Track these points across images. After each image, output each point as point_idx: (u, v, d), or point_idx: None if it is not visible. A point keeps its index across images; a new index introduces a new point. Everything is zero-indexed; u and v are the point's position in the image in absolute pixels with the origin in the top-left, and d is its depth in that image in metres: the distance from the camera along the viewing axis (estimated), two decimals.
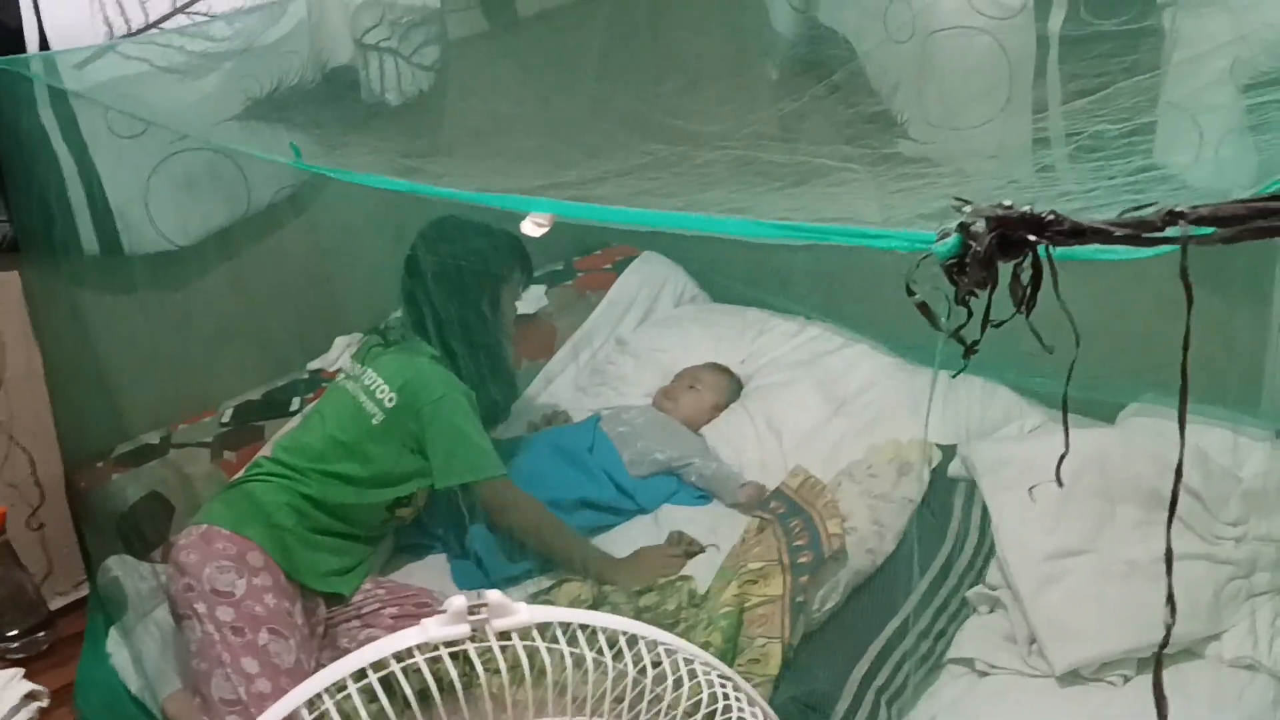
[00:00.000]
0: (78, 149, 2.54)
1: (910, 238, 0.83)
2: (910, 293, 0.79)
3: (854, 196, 1.61)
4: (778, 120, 2.27)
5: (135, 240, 2.67)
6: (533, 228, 1.26)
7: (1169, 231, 0.62)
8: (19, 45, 2.39)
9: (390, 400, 2.30)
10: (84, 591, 2.79)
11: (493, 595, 0.88)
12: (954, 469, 2.40)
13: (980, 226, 0.71)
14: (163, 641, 2.32)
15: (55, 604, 2.73)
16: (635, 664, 0.91)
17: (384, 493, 2.33)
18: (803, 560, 2.07)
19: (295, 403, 2.75)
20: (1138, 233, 0.62)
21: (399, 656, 0.87)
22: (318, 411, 2.43)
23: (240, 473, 2.39)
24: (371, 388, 2.33)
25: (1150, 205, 0.62)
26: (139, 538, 2.54)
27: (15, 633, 2.55)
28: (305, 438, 2.37)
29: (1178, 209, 0.61)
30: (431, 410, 2.29)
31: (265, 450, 2.48)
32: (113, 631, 2.43)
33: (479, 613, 0.88)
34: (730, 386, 2.96)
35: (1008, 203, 0.69)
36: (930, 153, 2.39)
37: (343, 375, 2.47)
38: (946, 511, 2.29)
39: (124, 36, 2.45)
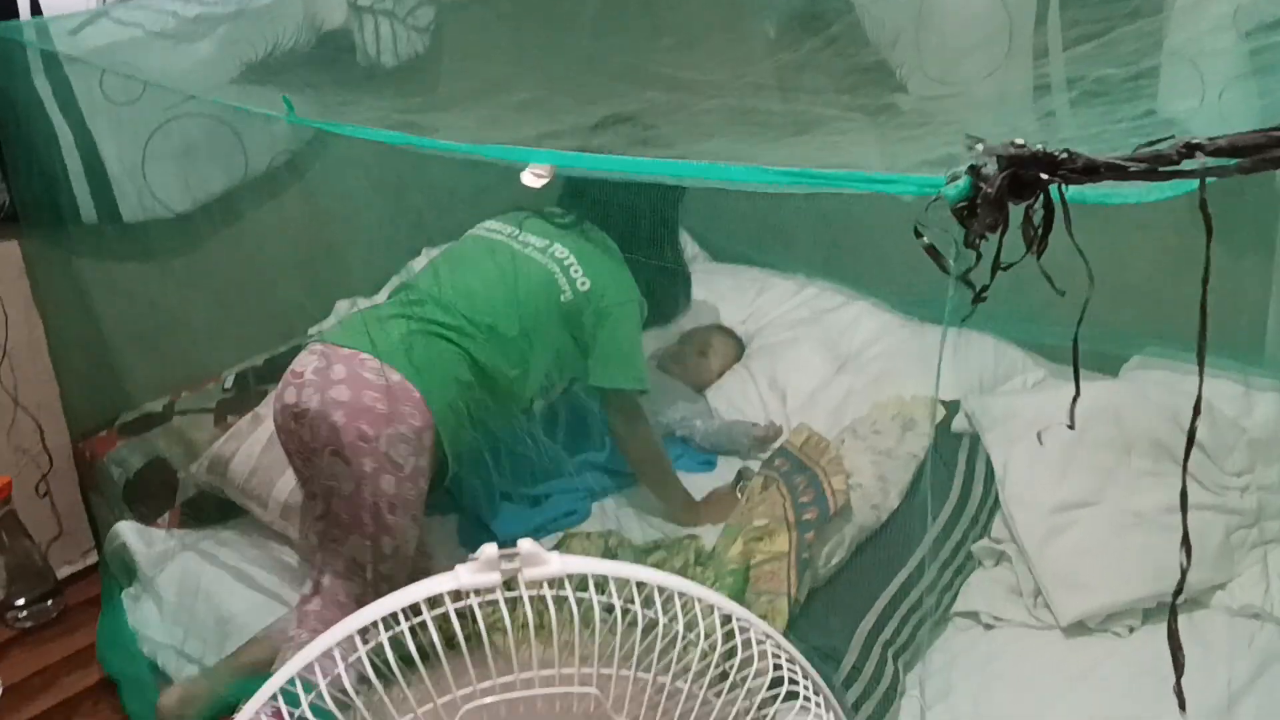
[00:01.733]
0: (74, 116, 2.52)
1: (919, 181, 0.83)
2: (919, 235, 0.78)
3: (855, 145, 1.60)
4: (775, 72, 2.25)
5: (133, 208, 2.65)
6: (532, 179, 1.25)
7: (1186, 165, 0.61)
8: (12, 12, 2.37)
9: (584, 284, 2.22)
10: (92, 559, 2.81)
11: (525, 544, 0.87)
12: (958, 424, 2.40)
13: (991, 168, 0.70)
14: (175, 603, 2.33)
15: (63, 572, 2.74)
16: (667, 614, 0.90)
17: (534, 382, 2.23)
18: (808, 517, 2.07)
19: None
20: (1154, 167, 0.61)
21: (431, 602, 0.87)
22: (481, 263, 2.26)
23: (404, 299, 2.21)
24: (565, 263, 2.24)
25: (1166, 139, 0.61)
26: (145, 504, 2.54)
27: (23, 601, 2.57)
28: (474, 284, 2.20)
29: (1195, 140, 0.60)
30: (619, 311, 2.25)
31: (410, 280, 2.31)
32: (124, 596, 2.44)
33: (511, 561, 0.87)
34: (735, 348, 2.96)
35: (1020, 141, 0.68)
36: (929, 105, 2.38)
37: (501, 235, 2.32)
38: (951, 466, 2.29)
39: (116, 1, 2.43)
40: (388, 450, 1.97)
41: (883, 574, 2.08)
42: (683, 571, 2.16)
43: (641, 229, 2.32)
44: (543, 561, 0.87)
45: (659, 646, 0.89)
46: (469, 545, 2.37)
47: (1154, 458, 2.15)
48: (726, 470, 2.58)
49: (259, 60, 2.58)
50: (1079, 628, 2.02)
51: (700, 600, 0.92)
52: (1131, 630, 2.00)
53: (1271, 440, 2.11)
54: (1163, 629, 1.99)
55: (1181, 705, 0.78)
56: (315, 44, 2.70)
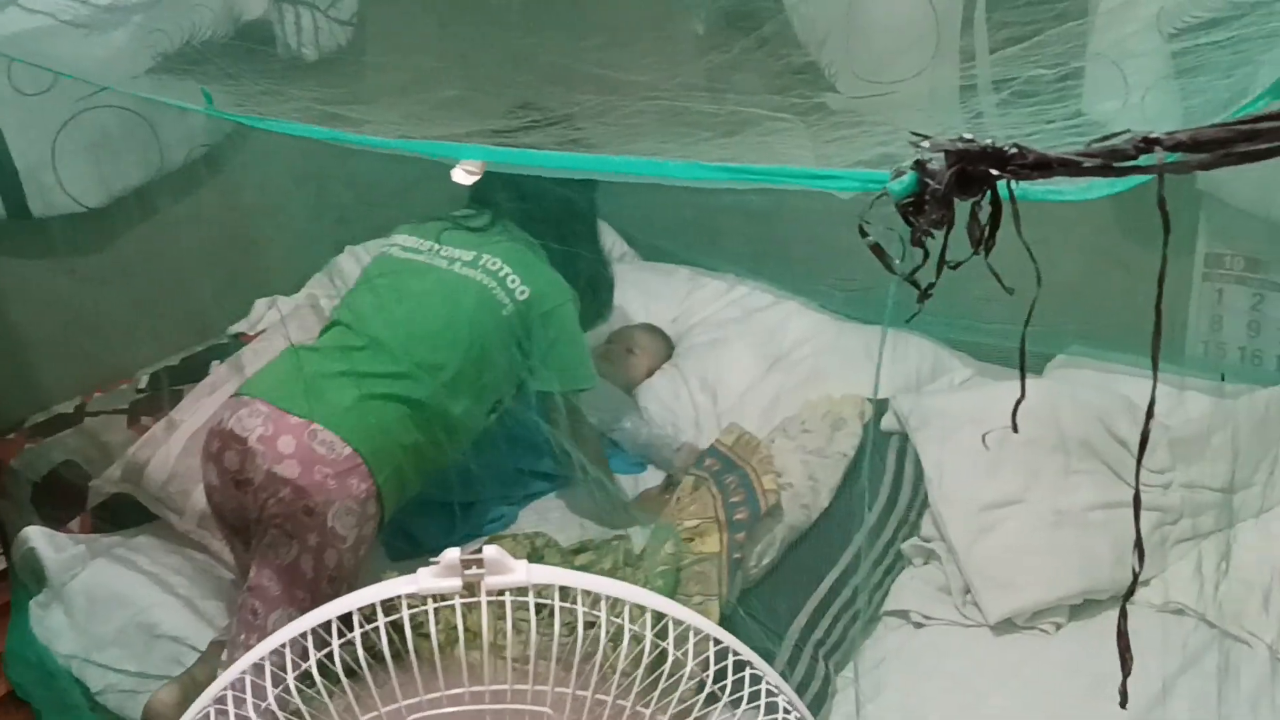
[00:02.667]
0: None
1: (863, 177, 0.81)
2: (863, 234, 0.76)
3: (788, 145, 1.59)
4: (705, 72, 2.24)
5: (43, 203, 2.56)
6: (463, 175, 1.21)
7: (1142, 160, 0.60)
8: None
9: (522, 293, 2.16)
10: (2, 565, 2.70)
11: (490, 550, 0.84)
12: (887, 423, 2.41)
13: (938, 163, 0.69)
14: (87, 611, 2.25)
15: None
16: (633, 631, 0.86)
17: (484, 407, 2.18)
18: (739, 517, 2.06)
19: (213, 367, 2.67)
20: (1109, 162, 0.60)
21: (386, 606, 0.83)
22: (417, 295, 2.16)
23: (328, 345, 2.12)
24: (500, 274, 2.16)
25: (1122, 133, 0.60)
26: (54, 508, 2.46)
27: None
28: (415, 321, 2.11)
29: (1153, 135, 0.59)
30: (560, 313, 2.20)
31: (344, 318, 2.18)
32: (33, 604, 2.35)
33: (475, 568, 0.83)
34: (664, 347, 2.94)
35: (968, 136, 0.66)
36: (858, 105, 2.38)
37: (421, 254, 2.24)
38: (881, 465, 2.30)
39: None
40: (333, 524, 1.92)
41: (813, 574, 2.09)
42: (612, 573, 2.14)
43: (563, 230, 2.29)
44: (508, 569, 0.83)
45: (620, 666, 0.85)
46: (394, 554, 2.33)
47: (1080, 456, 2.17)
48: (657, 472, 2.56)
49: (175, 50, 2.51)
50: (1007, 625, 2.04)
51: (676, 620, 0.88)
52: (1058, 627, 2.03)
53: (1195, 438, 2.14)
54: (1090, 626, 2.02)
55: (1123, 703, 0.77)
56: (234, 35, 2.63)
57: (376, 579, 2.10)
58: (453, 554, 0.83)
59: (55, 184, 2.57)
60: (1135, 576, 0.71)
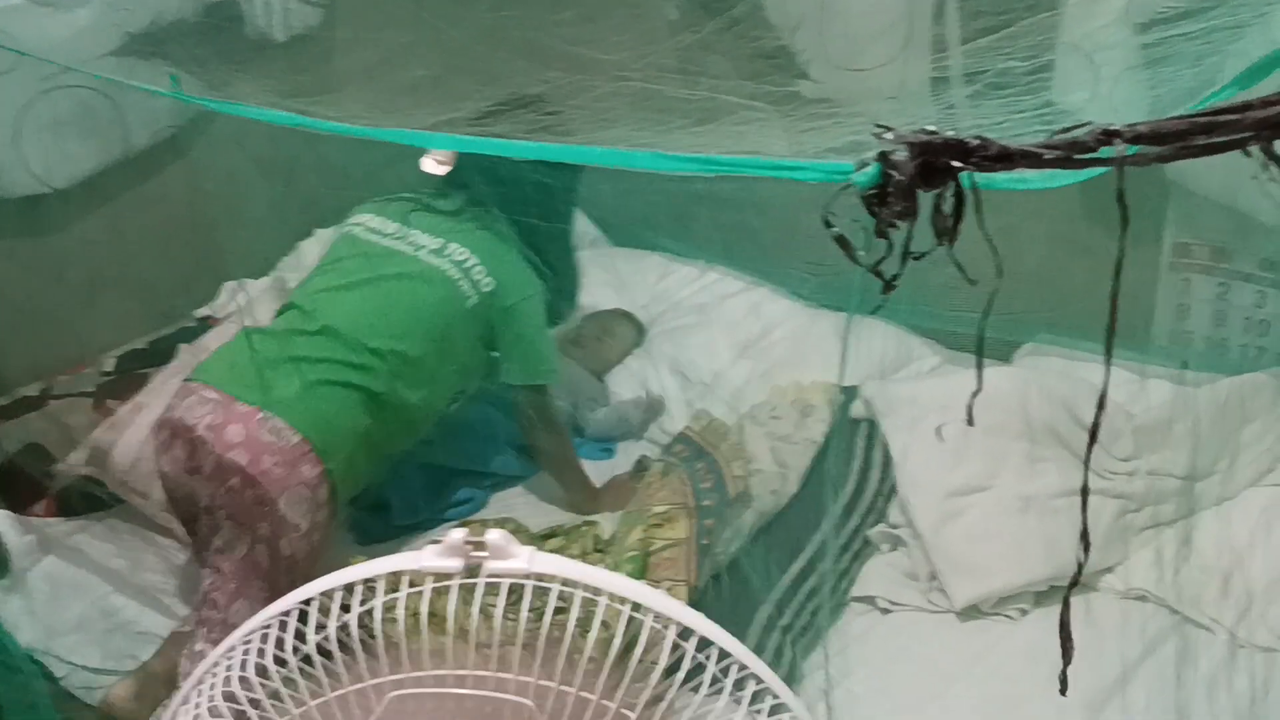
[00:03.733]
0: None
1: (828, 168, 0.81)
2: (828, 225, 0.76)
3: (761, 135, 1.58)
4: (676, 53, 2.23)
5: (7, 183, 2.53)
6: (434, 166, 1.21)
7: (1103, 152, 0.60)
8: None
9: (487, 285, 2.14)
10: None
11: (495, 535, 0.83)
12: (856, 410, 2.42)
13: (902, 154, 0.69)
14: (49, 597, 2.23)
15: None
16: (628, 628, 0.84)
17: (442, 398, 2.18)
18: (707, 503, 2.06)
19: (180, 350, 2.65)
20: (1069, 154, 0.60)
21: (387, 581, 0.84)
22: (376, 282, 2.13)
23: (282, 329, 2.10)
24: (465, 265, 2.14)
25: (1084, 125, 0.61)
26: (18, 492, 2.43)
27: None
28: (372, 309, 2.09)
29: (1113, 127, 0.59)
30: (526, 306, 2.19)
31: (300, 301, 2.16)
32: None
33: (478, 550, 0.83)
34: (635, 333, 2.94)
35: (932, 128, 0.66)
36: (830, 93, 2.38)
37: (387, 238, 2.20)
38: (849, 452, 2.31)
39: None
40: (285, 512, 1.91)
41: (781, 559, 2.09)
42: (581, 559, 2.13)
43: (539, 218, 2.26)
44: (510, 555, 0.82)
45: (608, 662, 0.84)
46: (362, 536, 2.32)
47: (1046, 443, 2.19)
48: (626, 458, 2.56)
49: (141, 30, 2.47)
50: (973, 611, 2.06)
51: (678, 621, 0.87)
52: (1024, 613, 2.05)
53: (1158, 426, 2.16)
54: (1054, 612, 2.01)
55: (1063, 690, 0.78)
56: (201, 13, 2.60)
57: (345, 564, 2.10)
58: (458, 534, 0.83)
59: (19, 164, 2.53)
60: (1080, 567, 0.72)
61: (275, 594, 1.90)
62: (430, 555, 0.83)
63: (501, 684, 0.84)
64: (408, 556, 0.85)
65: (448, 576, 0.84)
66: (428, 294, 2.12)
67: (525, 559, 0.83)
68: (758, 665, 0.88)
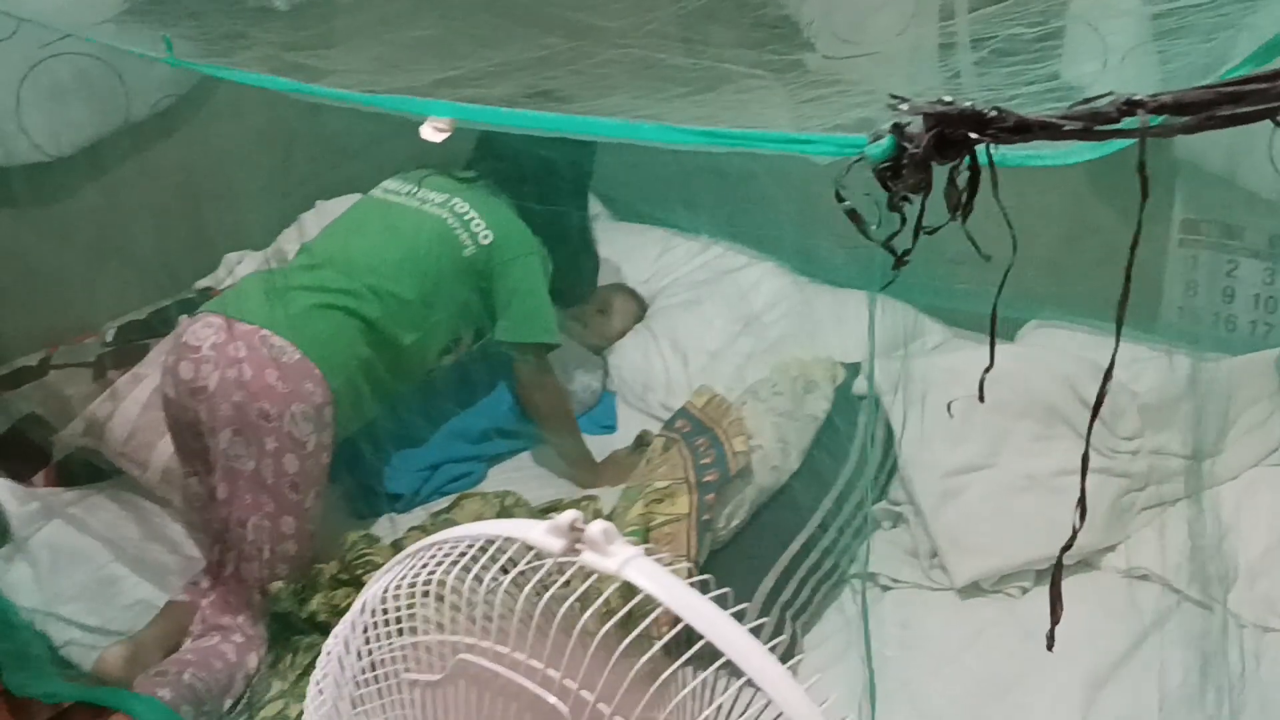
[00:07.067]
0: None
1: (839, 141, 0.79)
2: (840, 199, 0.75)
3: (764, 105, 1.57)
4: (678, 21, 2.20)
5: (7, 151, 2.52)
6: (432, 133, 1.19)
7: (1125, 123, 0.58)
8: None
9: (486, 237, 2.21)
10: None
11: (596, 527, 0.80)
12: (858, 386, 2.41)
13: (917, 126, 0.67)
14: (50, 565, 2.23)
15: None
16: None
17: (439, 342, 2.24)
18: (708, 479, 2.05)
19: (181, 321, 2.63)
20: (1090, 125, 0.59)
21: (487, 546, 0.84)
22: (380, 225, 2.25)
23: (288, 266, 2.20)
24: (465, 217, 2.22)
25: (1105, 96, 0.59)
26: (18, 462, 2.42)
27: None
28: (373, 247, 2.18)
29: (1136, 97, 0.57)
30: (523, 263, 2.24)
31: (310, 245, 2.28)
32: None
33: (579, 540, 0.80)
34: (637, 308, 2.92)
35: (948, 98, 0.65)
36: (836, 65, 2.36)
37: (399, 195, 2.30)
38: (851, 428, 2.30)
39: None
40: (290, 428, 1.96)
41: (782, 535, 2.09)
42: None
43: (554, 200, 2.33)
44: (605, 553, 0.79)
45: (654, 688, 0.80)
46: (359, 509, 2.32)
47: (1047, 422, 2.17)
48: (627, 432, 2.55)
49: None
50: (973, 589, 2.05)
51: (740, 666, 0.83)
52: (1024, 591, 2.04)
53: (1162, 405, 2.14)
54: None
55: (1050, 646, 0.78)
56: None
57: (338, 535, 2.10)
58: (570, 514, 0.80)
59: (19, 132, 2.52)
60: (1074, 533, 0.72)
61: (281, 512, 1.92)
62: (540, 531, 0.81)
63: (547, 679, 0.82)
64: (515, 525, 0.85)
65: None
66: (422, 238, 2.20)
67: (617, 563, 0.79)
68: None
